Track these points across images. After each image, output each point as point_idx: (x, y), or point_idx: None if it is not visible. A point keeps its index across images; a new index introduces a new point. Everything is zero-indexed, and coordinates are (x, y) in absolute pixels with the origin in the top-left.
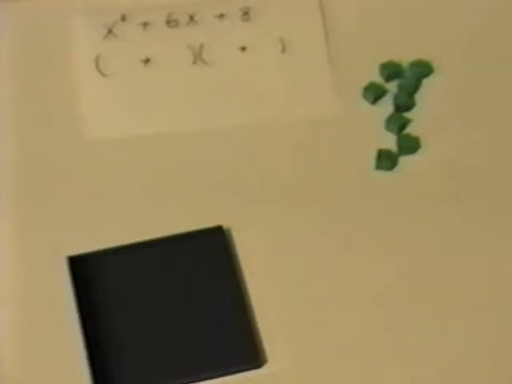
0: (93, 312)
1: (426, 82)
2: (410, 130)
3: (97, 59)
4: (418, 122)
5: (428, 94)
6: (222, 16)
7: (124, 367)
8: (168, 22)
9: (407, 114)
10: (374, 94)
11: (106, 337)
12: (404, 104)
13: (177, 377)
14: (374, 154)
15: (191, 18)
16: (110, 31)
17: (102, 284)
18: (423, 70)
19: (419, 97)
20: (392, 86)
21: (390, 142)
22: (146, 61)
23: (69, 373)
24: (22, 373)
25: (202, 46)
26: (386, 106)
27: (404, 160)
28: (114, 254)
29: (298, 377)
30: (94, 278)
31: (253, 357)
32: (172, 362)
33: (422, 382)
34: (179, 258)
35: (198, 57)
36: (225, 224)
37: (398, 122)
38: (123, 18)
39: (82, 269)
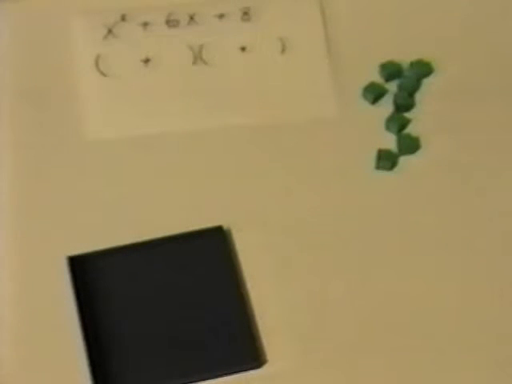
0: (93, 312)
1: (426, 81)
2: (410, 129)
3: (97, 59)
4: (418, 122)
5: (428, 94)
6: (221, 16)
7: (124, 367)
8: (168, 22)
9: (407, 114)
10: (373, 94)
11: (106, 337)
12: (404, 104)
13: (177, 377)
14: (374, 154)
15: (191, 18)
16: (109, 31)
17: (102, 284)
18: (423, 69)
19: (419, 97)
20: (392, 86)
21: (390, 142)
22: (146, 61)
23: (69, 373)
24: (22, 373)
25: (201, 46)
26: (386, 106)
27: (404, 160)
28: (114, 254)
29: (298, 377)
30: (94, 277)
31: (253, 357)
32: (172, 362)
33: (422, 382)
34: (179, 258)
35: (198, 57)
36: (225, 224)
37: (398, 122)
38: (123, 18)
39: (82, 269)
